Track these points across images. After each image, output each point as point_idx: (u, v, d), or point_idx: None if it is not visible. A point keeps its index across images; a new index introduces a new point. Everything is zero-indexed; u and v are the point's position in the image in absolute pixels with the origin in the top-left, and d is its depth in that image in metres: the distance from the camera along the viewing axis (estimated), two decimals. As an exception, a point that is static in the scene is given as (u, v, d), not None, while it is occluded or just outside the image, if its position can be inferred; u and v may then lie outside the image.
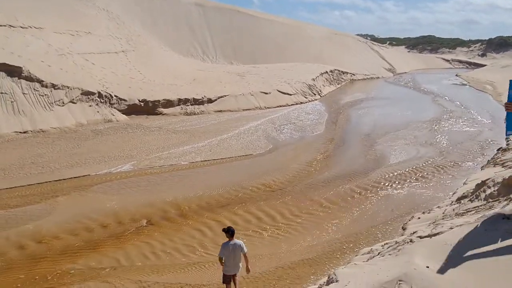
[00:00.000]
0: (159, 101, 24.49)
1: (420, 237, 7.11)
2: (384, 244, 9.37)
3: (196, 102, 25.80)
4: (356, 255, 9.60)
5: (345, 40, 62.39)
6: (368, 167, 16.43)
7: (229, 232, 7.13)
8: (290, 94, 30.89)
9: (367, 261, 8.39)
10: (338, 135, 21.83)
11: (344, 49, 56.72)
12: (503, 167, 15.00)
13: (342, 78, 44.51)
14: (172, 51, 39.42)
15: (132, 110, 23.45)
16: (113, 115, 22.36)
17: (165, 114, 24.16)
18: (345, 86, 42.38)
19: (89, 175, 14.48)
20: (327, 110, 28.75)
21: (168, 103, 24.80)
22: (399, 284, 2.05)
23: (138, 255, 9.39)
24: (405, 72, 61.13)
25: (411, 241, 7.35)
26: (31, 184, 13.35)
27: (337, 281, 2.54)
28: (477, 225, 2.57)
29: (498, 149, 18.84)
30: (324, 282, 3.72)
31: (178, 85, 27.63)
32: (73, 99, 21.37)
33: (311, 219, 11.61)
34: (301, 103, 30.59)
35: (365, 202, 13.02)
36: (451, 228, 6.44)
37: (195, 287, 8.32)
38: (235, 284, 7.44)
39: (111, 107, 22.93)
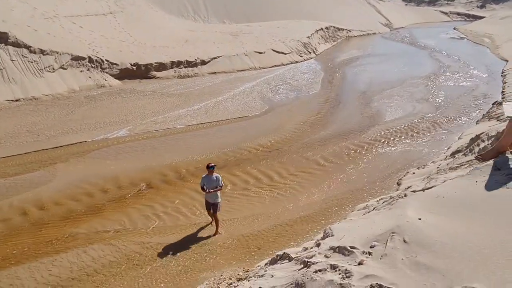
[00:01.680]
0: (151, 64, 23.98)
1: (414, 191, 7.29)
2: (380, 199, 9.61)
3: (190, 64, 25.30)
4: (352, 211, 9.89)
5: (341, -6, 60.23)
6: (364, 125, 16.49)
7: (210, 168, 8.73)
8: (285, 53, 30.30)
9: (368, 213, 8.66)
10: (334, 94, 21.69)
11: (339, 4, 54.97)
12: (497, 120, 15.11)
13: (338, 35, 43.47)
14: (162, 11, 38.08)
15: (125, 74, 23.01)
16: (105, 80, 21.97)
17: (158, 77, 23.75)
18: (341, 43, 41.50)
19: (85, 141, 14.47)
20: (323, 69, 28.35)
21: (161, 66, 24.31)
22: (392, 236, 2.13)
23: (140, 218, 9.61)
24: (402, 27, 59.68)
25: (405, 195, 7.54)
26: (28, 152, 13.36)
27: (332, 235, 2.63)
28: (469, 177, 2.63)
29: (494, 103, 18.87)
30: (320, 237, 3.85)
31: (170, 47, 26.95)
32: (63, 65, 20.89)
33: (308, 177, 11.81)
34: (296, 62, 30.07)
35: (361, 159, 13.19)
36: (444, 182, 6.60)
37: (196, 245, 8.59)
38: (216, 222, 8.97)
39: (103, 72, 22.47)
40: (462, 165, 8.34)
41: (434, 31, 54.93)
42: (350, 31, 47.07)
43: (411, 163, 12.93)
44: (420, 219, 2.22)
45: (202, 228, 9.24)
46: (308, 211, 9.98)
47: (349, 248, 2.23)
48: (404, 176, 11.61)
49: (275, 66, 28.32)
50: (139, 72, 23.46)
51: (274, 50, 29.83)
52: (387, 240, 2.12)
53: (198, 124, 16.35)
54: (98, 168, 12.23)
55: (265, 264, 3.61)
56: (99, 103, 18.92)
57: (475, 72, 27.45)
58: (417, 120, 17.08)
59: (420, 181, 9.96)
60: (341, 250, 2.26)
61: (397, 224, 2.24)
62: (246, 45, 29.87)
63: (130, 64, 23.33)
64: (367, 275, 1.90)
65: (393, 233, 2.16)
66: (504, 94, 20.48)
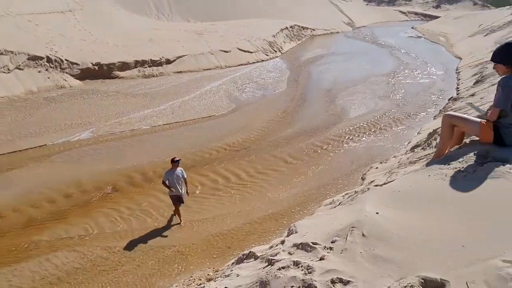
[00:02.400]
0: (114, 64, 23.33)
1: (377, 185, 7.59)
2: (345, 194, 9.90)
3: (154, 63, 24.83)
4: (319, 206, 10.13)
5: (304, -6, 61.13)
6: (329, 122, 16.89)
7: (176, 162, 9.01)
8: (251, 52, 30.40)
9: (328, 211, 8.91)
10: (299, 92, 22.04)
11: (303, 3, 55.79)
12: (453, 115, 15.97)
13: (303, 34, 44.12)
14: (124, 9, 37.09)
15: (86, 74, 22.26)
16: (65, 80, 21.16)
17: (122, 77, 23.15)
18: (305, 42, 42.16)
19: (45, 145, 13.90)
20: (289, 67, 28.70)
21: (125, 66, 23.71)
22: (351, 230, 2.23)
23: (106, 222, 9.39)
24: (364, 26, 61.47)
25: (368, 189, 7.84)
26: (-17, 158, 12.68)
27: (296, 232, 2.71)
28: (422, 171, 2.79)
29: (449, 99, 19.90)
30: (286, 235, 3.94)
31: (133, 46, 26.31)
32: (19, 65, 19.90)
33: (276, 175, 11.97)
34: (262, 60, 30.26)
35: (327, 156, 13.51)
36: (403, 176, 6.92)
37: (165, 248, 8.50)
38: (179, 215, 9.28)
39: (63, 72, 21.62)
40: (420, 159, 8.75)
41: (393, 30, 56.98)
42: (314, 30, 47.91)
43: (374, 158, 13.39)
44: (377, 213, 2.34)
45: (171, 230, 9.16)
46: (277, 208, 10.13)
47: (311, 244, 2.32)
48: (368, 171, 12.01)
49: (241, 65, 28.36)
50: (101, 72, 22.77)
51: (240, 49, 29.86)
52: (347, 234, 2.23)
53: (164, 124, 16.12)
54: (60, 172, 11.80)
55: (232, 264, 3.66)
56: (59, 104, 18.22)
57: (432, 69, 28.76)
58: (379, 116, 17.69)
59: (382, 176, 10.36)
60: (304, 246, 2.35)
61: (357, 219, 2.34)
62: (211, 44, 29.70)
63: (92, 63, 22.59)
64: (328, 270, 1.99)
65: (352, 227, 2.26)
66: (458, 90, 21.58)
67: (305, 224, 2.84)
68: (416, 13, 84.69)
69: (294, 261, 2.15)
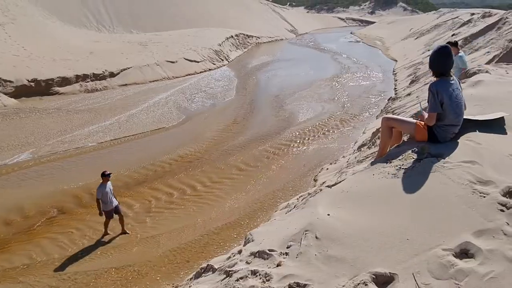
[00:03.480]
0: (53, 79, 22.09)
1: (329, 186, 7.87)
2: (299, 196, 10.15)
3: (97, 77, 23.86)
4: (276, 211, 10.28)
5: (247, 2, 62.17)
6: (280, 127, 17.23)
7: (107, 175, 9.00)
8: (198, 62, 30.25)
9: (285, 214, 9.07)
10: (248, 99, 22.28)
11: (247, 12, 56.67)
12: (393, 114, 16.97)
13: (248, 42, 44.76)
14: (60, 22, 35.32)
15: (21, 92, 20.84)
16: (-2, 99, 19.67)
17: (62, 93, 21.97)
18: (251, 50, 42.79)
19: (-21, 170, 12.80)
20: (236, 75, 28.93)
21: (64, 81, 22.53)
22: (305, 234, 2.31)
23: (53, 247, 8.82)
24: (306, 33, 63.70)
25: (320, 191, 8.10)
26: None
27: (253, 240, 2.74)
28: (367, 170, 2.96)
29: (389, 99, 21.16)
30: (242, 244, 3.96)
31: (73, 60, 25.11)
32: None
33: (231, 183, 11.97)
34: (210, 70, 30.23)
35: (279, 160, 13.76)
36: (353, 174, 7.24)
37: (120, 269, 8.16)
38: (122, 220, 9.29)
39: (-5, 90, 20.09)
40: (367, 158, 9.21)
41: (334, 35, 59.64)
42: (259, 37, 48.78)
43: (324, 159, 13.86)
44: (328, 214, 2.44)
45: (125, 249, 8.80)
46: (234, 217, 10.12)
47: (267, 251, 2.36)
48: (320, 172, 12.41)
49: (189, 74, 28.13)
50: (39, 88, 21.46)
51: (186, 59, 29.61)
52: (302, 238, 2.30)
53: (111, 140, 15.50)
54: (-3, 199, 10.90)
55: (190, 279, 3.59)
56: (-7, 125, 16.88)
57: (371, 72, 30.43)
58: (327, 119, 18.37)
59: (333, 176, 10.76)
60: (260, 254, 2.38)
61: (309, 222, 2.43)
62: (157, 55, 29.17)
63: (28, 80, 21.22)
64: (285, 276, 2.04)
65: (306, 231, 2.34)
66: (396, 91, 23.02)
67: (261, 231, 2.88)
68: (353, 19, 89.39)
69: (252, 271, 2.18)
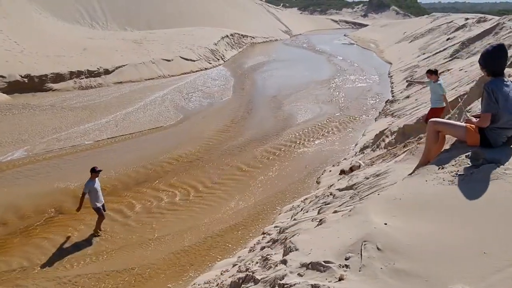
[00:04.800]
0: (46, 75, 21.61)
1: (339, 189, 7.74)
2: (304, 199, 10.01)
3: (92, 74, 23.43)
4: (280, 214, 10.13)
5: (242, 2, 61.98)
6: (279, 128, 17.09)
7: (97, 171, 8.80)
8: (194, 60, 29.97)
9: (291, 218, 8.91)
10: (246, 100, 22.10)
11: (242, 12, 56.48)
12: (393, 117, 16.96)
13: (243, 42, 44.59)
14: (54, 18, 34.70)
15: (14, 87, 20.34)
16: (-11, 95, 19.16)
17: (56, 89, 21.51)
18: (246, 50, 42.61)
19: (-29, 168, 12.38)
20: (233, 75, 28.73)
21: (58, 77, 22.06)
22: (364, 244, 2.16)
23: (53, 249, 8.52)
24: (300, 34, 63.78)
25: (331, 194, 7.96)
26: None
27: (296, 249, 2.58)
28: (417, 176, 2.84)
29: (386, 101, 21.20)
30: (282, 252, 3.74)
31: (67, 56, 24.63)
32: None
33: (232, 184, 11.78)
34: (206, 69, 29.98)
35: (280, 162, 13.61)
36: (367, 178, 7.12)
37: (123, 272, 7.91)
38: (101, 221, 8.97)
39: (-14, 85, 19.57)
40: (376, 160, 9.11)
41: (328, 37, 59.80)
42: (254, 38, 48.65)
43: (326, 161, 13.75)
44: (386, 224, 2.31)
45: (127, 252, 8.55)
46: (237, 219, 9.93)
47: (323, 263, 2.20)
48: (322, 174, 12.29)
49: (185, 73, 27.84)
50: (32, 84, 20.97)
51: (182, 58, 29.31)
52: (361, 250, 2.16)
53: (108, 138, 15.18)
54: (-9, 198, 10.54)
55: None
56: (-16, 122, 16.41)
57: (367, 74, 30.51)
58: (326, 121, 18.28)
59: (342, 179, 10.64)
60: (314, 266, 2.23)
61: (367, 232, 2.28)
62: (152, 53, 28.80)
63: (21, 76, 20.72)
64: (351, 291, 1.90)
65: (365, 241, 2.19)
66: (393, 93, 23.08)
67: (303, 239, 2.72)
68: (346, 22, 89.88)
69: (312, 285, 2.02)
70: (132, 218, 9.74)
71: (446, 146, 3.22)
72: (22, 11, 30.64)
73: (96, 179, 8.84)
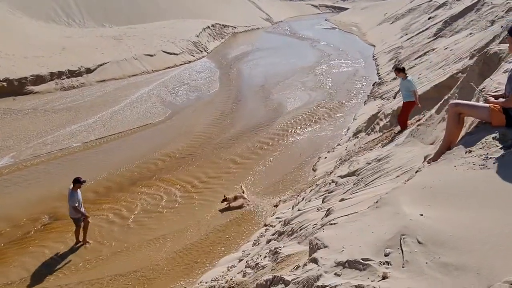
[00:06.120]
0: (26, 78, 20.86)
1: (341, 176, 7.68)
2: (309, 188, 9.92)
3: (73, 74, 22.73)
4: (277, 205, 10.06)
5: (220, -9, 60.85)
6: (270, 118, 16.95)
7: (82, 182, 8.45)
8: (177, 54, 29.40)
9: (292, 208, 8.85)
10: (234, 91, 21.84)
11: (221, 2, 55.52)
12: (382, 99, 16.96)
13: (225, 32, 43.93)
14: (26, 17, 33.43)
15: (-7, 92, 19.61)
16: (-33, 101, 18.42)
17: (37, 92, 20.80)
18: (229, 40, 42.03)
19: (-45, 179, 11.92)
20: (218, 66, 28.33)
21: (39, 79, 21.33)
22: (404, 239, 2.07)
23: (51, 257, 8.29)
24: (281, 21, 63.21)
25: (332, 181, 7.90)
26: None
27: (326, 246, 2.46)
28: (444, 162, 2.74)
29: (374, 84, 21.22)
30: (307, 250, 3.60)
31: (45, 57, 23.81)
32: None
33: (229, 177, 11.65)
34: (190, 62, 29.45)
35: (274, 151, 13.52)
36: (368, 163, 7.07)
37: (126, 275, 7.75)
38: (86, 228, 8.62)
39: (-37, 92, 18.81)
40: (375, 144, 9.06)
41: (309, 23, 59.46)
42: (235, 27, 47.99)
43: (319, 148, 13.72)
44: (422, 215, 2.21)
45: (128, 255, 8.38)
46: (237, 213, 9.82)
47: (361, 260, 2.11)
48: (318, 161, 12.25)
49: (169, 68, 27.30)
50: (12, 88, 20.21)
51: (165, 52, 28.71)
52: (401, 244, 2.06)
53: (97, 139, 14.79)
54: (-19, 208, 10.17)
55: None
56: (-35, 130, 15.79)
57: (352, 58, 30.47)
58: (315, 107, 18.22)
59: (334, 164, 10.60)
60: (352, 264, 2.12)
61: (402, 225, 2.18)
62: (133, 49, 28.12)
63: (-1, 80, 19.96)
64: (401, 290, 1.80)
65: (403, 235, 2.10)
66: (379, 75, 23.10)
67: (330, 235, 2.61)
68: (326, 6, 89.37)
69: (356, 286, 1.92)
70: (130, 219, 9.54)
71: (462, 133, 3.13)
72: (-6, 12, 29.50)
73: (79, 190, 8.45)
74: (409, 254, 1.99)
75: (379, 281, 1.92)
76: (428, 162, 3.33)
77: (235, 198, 9.72)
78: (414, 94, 8.83)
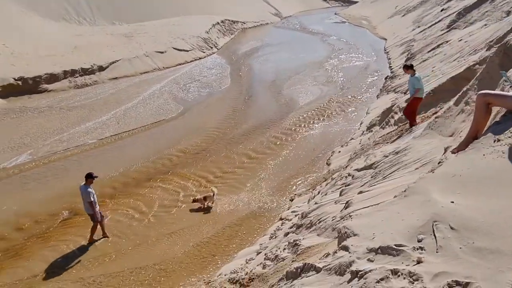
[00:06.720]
0: (40, 76, 21.19)
1: (357, 169, 7.69)
2: (326, 183, 9.94)
3: (86, 72, 23.01)
4: (292, 199, 10.11)
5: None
6: (282, 113, 16.97)
7: (94, 177, 8.62)
8: (187, 50, 29.52)
9: (308, 202, 8.89)
10: (245, 86, 21.88)
11: (229, -3, 55.42)
12: (395, 92, 16.83)
13: (234, 28, 43.91)
14: (38, 16, 33.85)
15: (8, 91, 19.92)
16: (-16, 100, 18.80)
17: (51, 90, 21.13)
18: (238, 36, 42.01)
19: (-24, 176, 12.21)
20: (228, 62, 28.38)
21: (52, 78, 21.64)
22: (436, 224, 2.10)
23: (72, 251, 8.47)
24: (290, 15, 62.90)
25: (349, 174, 7.91)
26: None
27: (355, 234, 2.50)
28: (473, 151, 2.76)
29: (386, 78, 21.04)
30: (333, 238, 3.63)
31: (58, 56, 24.13)
32: None
33: (243, 172, 11.73)
34: (200, 58, 29.56)
35: (288, 146, 13.56)
36: (386, 156, 7.06)
37: (146, 268, 7.89)
38: (102, 223, 8.73)
39: (-21, 91, 19.19)
40: (391, 137, 9.04)
41: (319, 17, 59.05)
42: (244, 23, 47.93)
43: (333, 142, 13.71)
44: (453, 202, 2.24)
45: (147, 248, 8.52)
46: (253, 206, 9.91)
47: (394, 246, 2.15)
48: (332, 156, 12.25)
49: (180, 64, 27.44)
50: (27, 86, 20.56)
51: (175, 48, 28.85)
52: (433, 230, 2.09)
53: (112, 136, 14.99)
54: (3, 204, 10.39)
55: (280, 280, 3.33)
56: (-17, 128, 16.12)
57: (363, 51, 30.23)
58: (327, 102, 18.17)
59: (348, 158, 10.59)
60: (385, 250, 2.16)
61: (434, 212, 2.22)
62: (144, 46, 28.31)
63: (14, 78, 20.29)
64: (436, 274, 1.82)
65: (435, 221, 2.13)
66: (392, 69, 22.90)
67: (359, 224, 2.65)
68: (336, 0, 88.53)
69: (391, 270, 1.96)
70: (148, 214, 9.68)
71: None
72: (8, 12, 29.93)
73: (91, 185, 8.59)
74: (442, 239, 2.02)
75: (414, 265, 1.96)
76: (453, 152, 3.35)
77: (205, 199, 9.73)
78: (417, 92, 8.83)
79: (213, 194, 9.81)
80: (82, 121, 16.61)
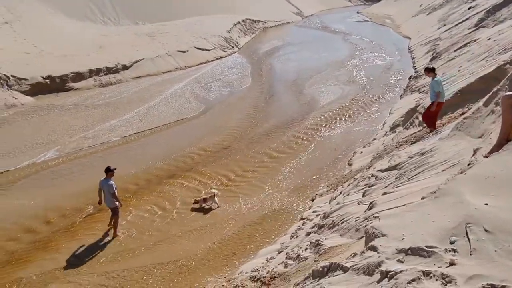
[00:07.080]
0: (67, 75, 21.82)
1: (381, 170, 7.58)
2: (347, 182, 9.85)
3: (110, 71, 23.55)
4: (313, 199, 10.05)
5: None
6: (303, 112, 16.89)
7: (113, 170, 8.88)
8: (209, 50, 29.76)
9: (329, 202, 8.82)
10: (266, 86, 21.88)
11: (251, -4, 55.50)
12: (419, 93, 16.47)
13: (255, 27, 43.96)
14: (65, 17, 34.83)
15: (37, 89, 20.61)
16: (15, 98, 19.48)
17: (77, 89, 21.73)
18: (259, 35, 42.04)
19: (7, 170, 12.67)
20: (249, 62, 28.45)
21: (78, 76, 22.25)
22: (469, 227, 2.05)
23: (97, 245, 8.70)
24: (312, 15, 62.45)
25: (372, 175, 7.81)
26: None
27: (384, 235, 2.47)
28: (505, 152, 2.68)
29: (410, 77, 20.62)
30: (359, 237, 3.61)
31: (83, 55, 24.78)
32: (-41, 87, 18.06)
33: (264, 171, 11.74)
34: (221, 57, 29.75)
35: (309, 146, 13.49)
36: (410, 157, 6.93)
37: (168, 264, 8.02)
38: (115, 227, 8.92)
39: (10, 89, 19.88)
40: (414, 138, 8.86)
41: (341, 16, 58.40)
42: (265, 22, 47.91)
43: (354, 142, 13.56)
44: (486, 204, 2.19)
45: (169, 244, 8.65)
46: (274, 206, 9.92)
47: (426, 248, 2.12)
48: (353, 156, 12.12)
49: (201, 63, 27.69)
50: (54, 85, 21.21)
51: (197, 48, 29.13)
52: (467, 232, 2.05)
53: (135, 133, 15.28)
54: (31, 198, 10.77)
55: (306, 278, 3.33)
56: (13, 125, 16.71)
57: (386, 51, 29.73)
58: (350, 102, 17.97)
59: (370, 158, 10.45)
60: (416, 251, 2.13)
61: (467, 214, 2.17)
62: (167, 45, 28.71)
63: (42, 77, 20.97)
64: (470, 276, 1.79)
65: (468, 223, 2.08)
66: (416, 68, 22.44)
67: (388, 224, 2.62)
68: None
69: (423, 271, 1.93)
70: (170, 211, 9.82)
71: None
72: (35, 12, 30.91)
73: (112, 178, 8.88)
74: (476, 242, 1.98)
75: (446, 267, 1.92)
76: (486, 156, 3.26)
77: (205, 200, 9.72)
78: (438, 96, 8.63)
79: (213, 195, 9.81)
80: (107, 119, 16.99)
